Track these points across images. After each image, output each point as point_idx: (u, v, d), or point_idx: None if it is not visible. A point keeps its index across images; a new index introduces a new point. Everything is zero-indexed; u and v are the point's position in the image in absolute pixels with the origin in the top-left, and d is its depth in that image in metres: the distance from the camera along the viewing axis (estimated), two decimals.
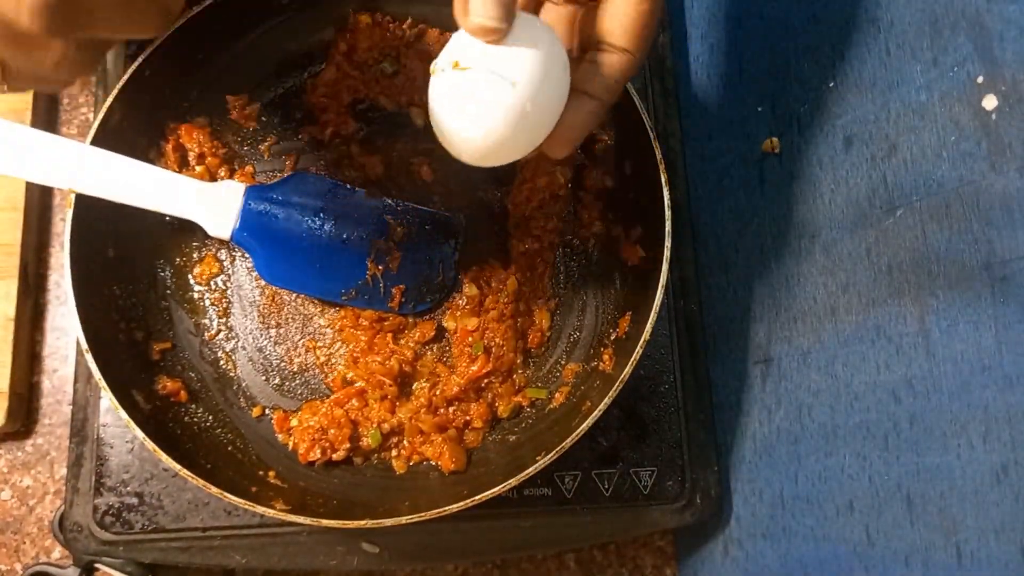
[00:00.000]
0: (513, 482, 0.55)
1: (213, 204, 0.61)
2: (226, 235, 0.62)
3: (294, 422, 0.64)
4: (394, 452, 0.65)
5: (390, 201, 0.67)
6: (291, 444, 0.64)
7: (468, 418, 0.65)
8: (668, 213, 0.58)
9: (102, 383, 0.56)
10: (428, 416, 0.64)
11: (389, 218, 0.66)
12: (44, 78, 0.43)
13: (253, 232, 0.63)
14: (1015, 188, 0.41)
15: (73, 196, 0.59)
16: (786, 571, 0.60)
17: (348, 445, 0.63)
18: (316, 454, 0.63)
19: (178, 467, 0.55)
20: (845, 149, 0.54)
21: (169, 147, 0.66)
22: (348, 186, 0.66)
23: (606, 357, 0.64)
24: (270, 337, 0.67)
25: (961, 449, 0.44)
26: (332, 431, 0.63)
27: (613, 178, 0.68)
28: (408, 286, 0.66)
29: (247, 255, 0.68)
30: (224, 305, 0.67)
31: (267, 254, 0.63)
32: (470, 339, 0.66)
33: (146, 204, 0.60)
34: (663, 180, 0.59)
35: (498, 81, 0.42)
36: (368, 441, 0.64)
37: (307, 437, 0.63)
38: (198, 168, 0.67)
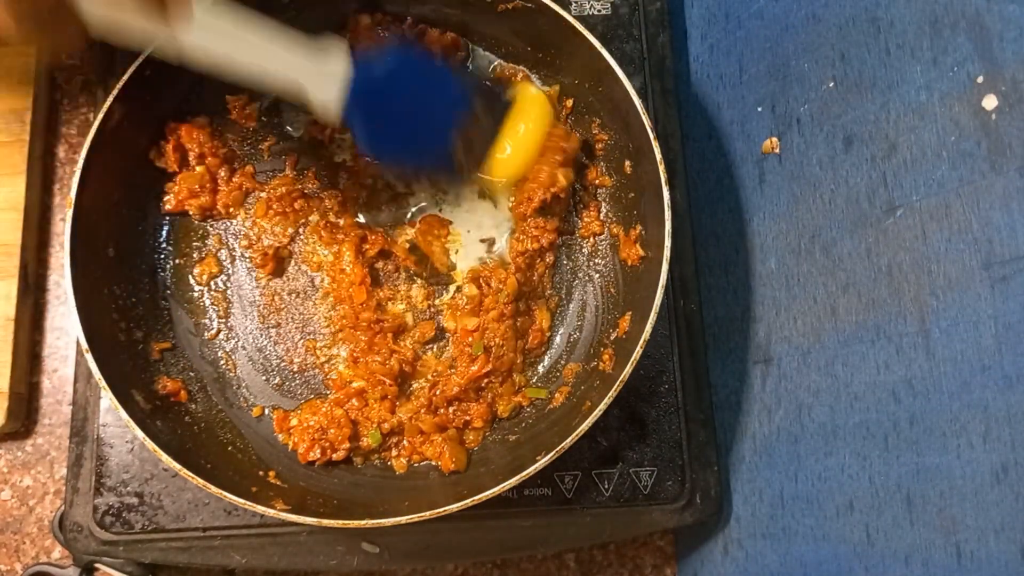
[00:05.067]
0: (513, 482, 0.55)
1: (320, 68, 0.57)
2: (332, 105, 0.58)
3: (294, 422, 0.64)
4: (394, 452, 0.65)
5: (466, 77, 0.67)
6: (291, 444, 0.64)
7: (468, 418, 0.65)
8: (668, 213, 0.58)
9: (102, 383, 0.56)
10: (428, 416, 0.64)
11: (468, 93, 0.64)
12: None
13: (358, 103, 0.58)
14: (1015, 188, 0.41)
15: (73, 196, 0.59)
16: (786, 571, 0.60)
17: (348, 445, 0.63)
18: (316, 454, 0.63)
19: (178, 467, 0.55)
20: (845, 149, 0.54)
21: (169, 147, 0.66)
22: (436, 62, 0.66)
23: (606, 357, 0.64)
24: (270, 337, 0.67)
25: (961, 449, 0.44)
26: (332, 431, 0.63)
27: (613, 178, 0.68)
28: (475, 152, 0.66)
29: (247, 255, 0.68)
30: (224, 305, 0.67)
31: (368, 125, 0.60)
32: (470, 339, 0.66)
33: (251, 59, 0.56)
34: (663, 180, 0.59)
35: None
36: (368, 441, 0.64)
37: (307, 437, 0.63)
38: (198, 168, 0.67)
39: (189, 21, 0.52)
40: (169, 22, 0.52)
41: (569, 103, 0.70)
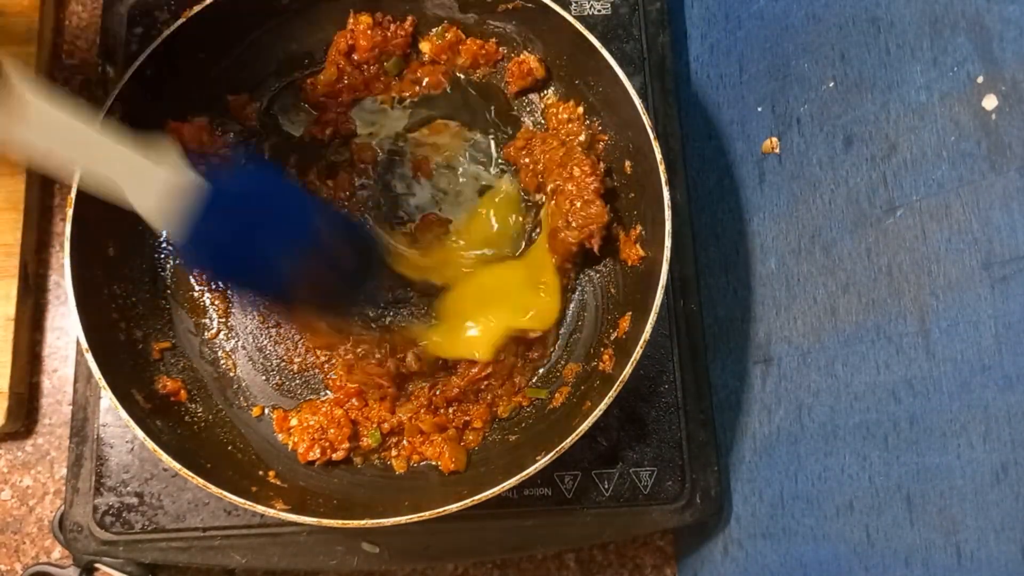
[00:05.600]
0: (513, 482, 0.55)
1: (147, 172, 0.50)
2: (155, 213, 0.51)
3: (294, 421, 0.64)
4: (394, 452, 0.65)
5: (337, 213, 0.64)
6: (291, 444, 0.64)
7: (468, 418, 0.65)
8: (668, 213, 0.58)
9: (102, 383, 0.56)
10: (428, 416, 0.64)
11: (326, 230, 0.58)
12: None
13: (196, 220, 0.51)
14: (1015, 188, 0.41)
15: (73, 196, 0.59)
16: (786, 571, 0.60)
17: (348, 444, 0.63)
18: (316, 453, 0.63)
19: (178, 467, 0.55)
20: (845, 149, 0.54)
21: None
22: (296, 186, 0.62)
23: (606, 357, 0.64)
24: (270, 337, 0.67)
25: (961, 449, 0.44)
26: (332, 431, 0.63)
27: (613, 178, 0.68)
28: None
29: None
30: (224, 305, 0.67)
31: (201, 245, 0.53)
32: None
33: (74, 153, 0.50)
34: (663, 180, 0.59)
35: None
36: (368, 441, 0.64)
37: (307, 437, 0.63)
38: (200, 168, 0.67)
39: (12, 111, 0.47)
40: None
41: (580, 110, 0.69)
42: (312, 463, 0.63)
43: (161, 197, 0.51)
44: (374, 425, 0.64)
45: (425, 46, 0.71)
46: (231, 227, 0.53)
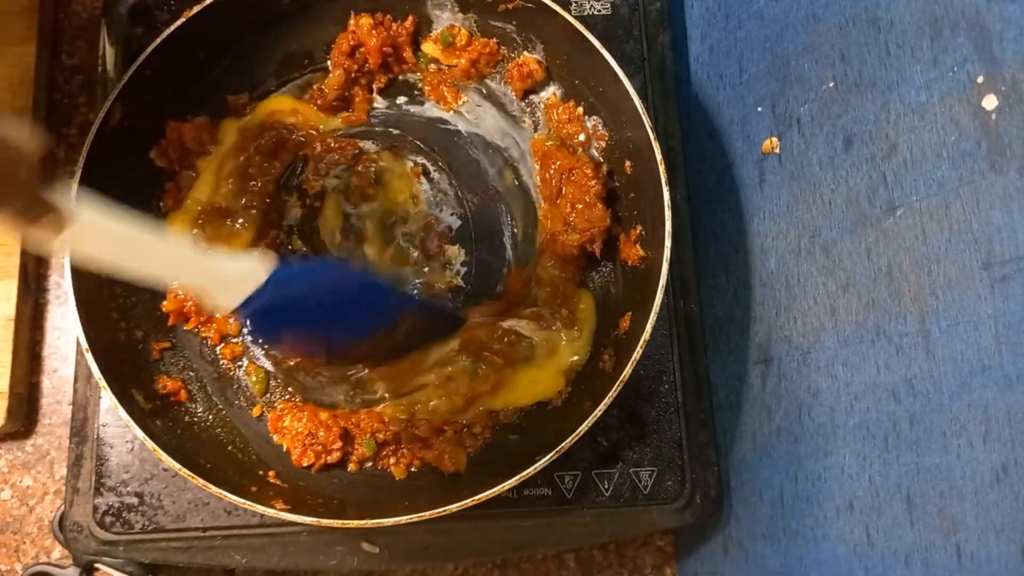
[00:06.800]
0: (513, 482, 0.55)
1: (227, 273, 0.50)
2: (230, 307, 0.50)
3: (287, 422, 0.64)
4: (392, 460, 0.64)
5: (411, 296, 0.64)
6: (285, 446, 0.64)
7: (467, 423, 0.65)
8: (668, 213, 0.58)
9: (102, 383, 0.56)
10: (424, 422, 0.64)
11: (402, 314, 0.60)
12: None
13: (263, 315, 0.51)
14: (1015, 188, 0.41)
15: (73, 196, 0.59)
16: (786, 571, 0.60)
17: (340, 444, 0.63)
18: (310, 458, 0.62)
19: (178, 467, 0.55)
20: (845, 149, 0.54)
21: (170, 146, 0.66)
22: (373, 278, 0.62)
23: (606, 357, 0.64)
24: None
25: (961, 449, 0.44)
26: (322, 433, 0.63)
27: (613, 179, 0.68)
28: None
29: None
30: None
31: (270, 328, 0.54)
32: None
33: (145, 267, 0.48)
34: (663, 180, 0.59)
35: None
36: (363, 450, 0.63)
37: (297, 443, 0.63)
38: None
39: (64, 232, 0.43)
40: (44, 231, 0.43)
41: (580, 110, 0.69)
42: (310, 467, 0.63)
43: (239, 280, 0.49)
44: (368, 434, 0.64)
45: (428, 47, 0.71)
46: (300, 301, 0.53)
